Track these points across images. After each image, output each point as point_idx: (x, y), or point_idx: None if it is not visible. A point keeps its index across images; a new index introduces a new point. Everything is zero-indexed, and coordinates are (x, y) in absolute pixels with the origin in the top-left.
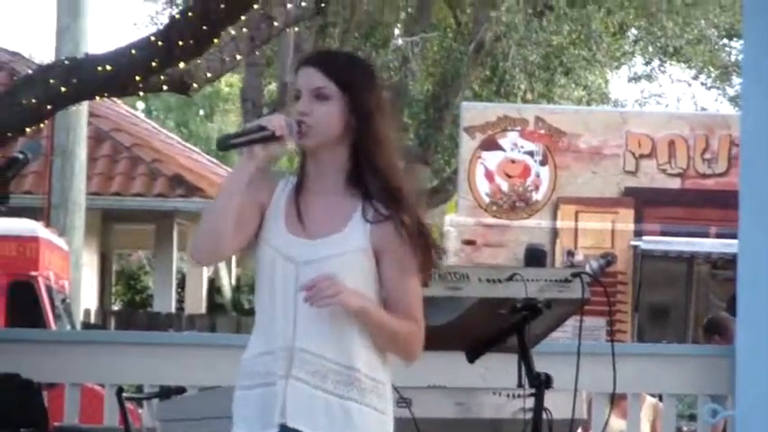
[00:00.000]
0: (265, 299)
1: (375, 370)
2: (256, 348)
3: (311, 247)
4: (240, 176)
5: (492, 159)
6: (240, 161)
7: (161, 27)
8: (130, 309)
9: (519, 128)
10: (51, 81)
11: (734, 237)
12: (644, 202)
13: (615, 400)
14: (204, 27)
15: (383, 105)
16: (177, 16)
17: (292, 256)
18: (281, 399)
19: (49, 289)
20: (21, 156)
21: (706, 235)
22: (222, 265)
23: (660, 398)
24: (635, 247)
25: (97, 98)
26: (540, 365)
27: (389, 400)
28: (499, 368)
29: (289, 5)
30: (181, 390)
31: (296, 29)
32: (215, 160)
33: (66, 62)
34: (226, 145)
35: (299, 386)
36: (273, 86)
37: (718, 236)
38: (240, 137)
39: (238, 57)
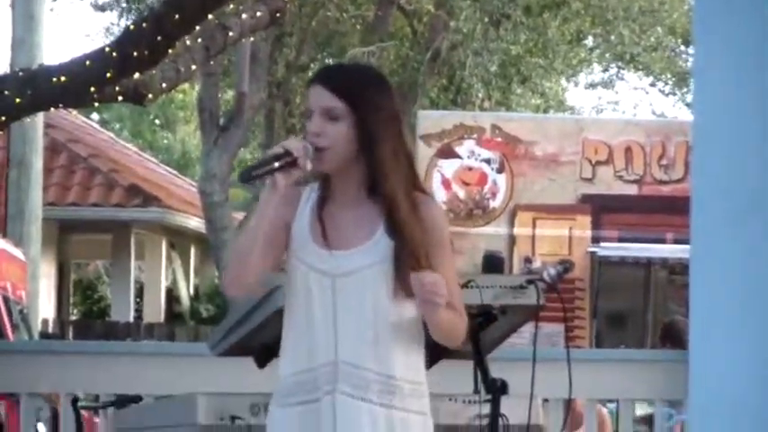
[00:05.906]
0: (300, 315)
1: (414, 373)
2: (296, 366)
3: (345, 259)
4: (266, 210)
5: (449, 167)
6: (264, 194)
7: (115, 38)
8: (88, 318)
9: (475, 136)
10: (6, 92)
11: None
12: (601, 208)
13: (570, 408)
14: (159, 37)
15: (393, 119)
16: (132, 27)
17: (327, 269)
18: (331, 413)
19: (6, 299)
20: None
21: (663, 241)
22: (180, 275)
23: (617, 403)
24: (592, 254)
25: (52, 109)
26: (496, 372)
27: (427, 396)
28: (455, 374)
29: (244, 15)
30: (137, 398)
31: (252, 38)
32: (171, 170)
33: (21, 73)
34: (248, 177)
35: (345, 399)
36: (230, 96)
37: (676, 241)
38: (261, 167)
39: (193, 67)
